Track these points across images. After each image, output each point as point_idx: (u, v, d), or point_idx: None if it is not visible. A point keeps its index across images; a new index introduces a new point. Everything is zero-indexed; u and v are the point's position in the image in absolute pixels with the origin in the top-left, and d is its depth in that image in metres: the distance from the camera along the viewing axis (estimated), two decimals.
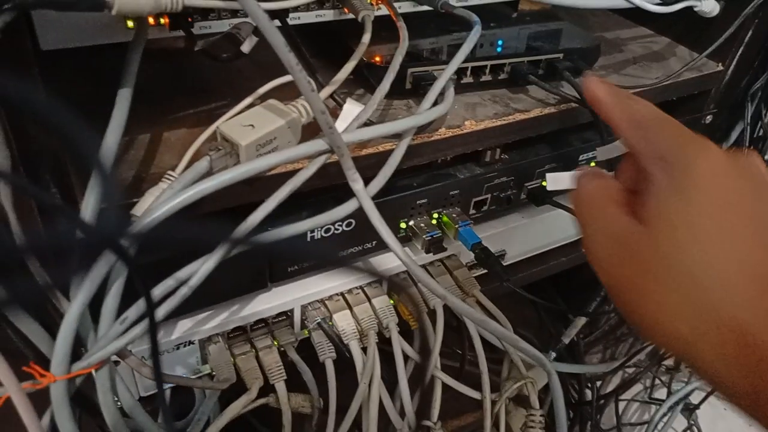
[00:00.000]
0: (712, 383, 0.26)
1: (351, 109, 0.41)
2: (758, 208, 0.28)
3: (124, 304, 0.35)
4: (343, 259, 0.48)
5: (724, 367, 0.25)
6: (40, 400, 0.35)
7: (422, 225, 0.49)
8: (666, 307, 0.27)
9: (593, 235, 0.31)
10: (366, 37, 0.43)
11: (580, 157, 0.56)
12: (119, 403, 0.39)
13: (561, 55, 0.52)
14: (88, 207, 0.32)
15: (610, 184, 0.32)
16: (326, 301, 0.50)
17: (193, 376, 0.47)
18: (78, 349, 0.35)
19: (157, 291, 0.36)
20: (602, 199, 0.31)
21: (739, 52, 0.59)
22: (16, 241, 0.33)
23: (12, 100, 0.25)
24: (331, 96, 0.42)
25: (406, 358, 0.51)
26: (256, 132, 0.37)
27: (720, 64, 0.60)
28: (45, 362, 0.34)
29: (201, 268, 0.36)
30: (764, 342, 0.24)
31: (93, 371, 0.35)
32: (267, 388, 0.46)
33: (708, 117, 0.62)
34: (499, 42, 0.51)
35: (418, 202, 0.49)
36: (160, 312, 0.36)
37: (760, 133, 0.63)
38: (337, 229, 0.46)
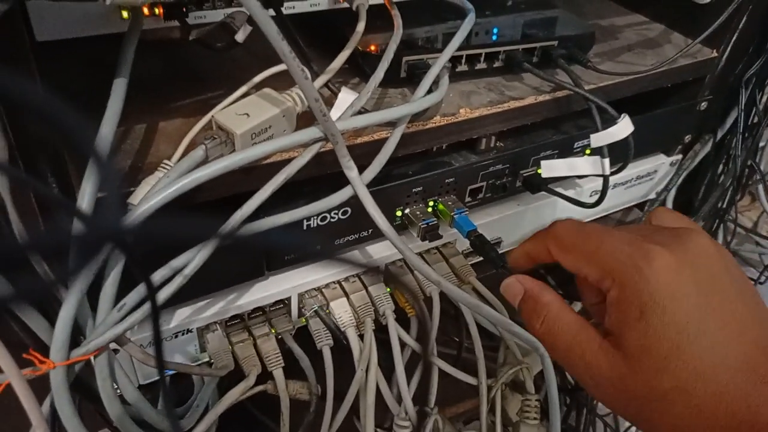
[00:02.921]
0: None
1: (346, 98, 0.41)
2: (721, 292, 0.28)
3: (122, 292, 0.35)
4: (338, 250, 0.49)
5: None
6: (40, 387, 0.35)
7: (418, 213, 0.50)
8: (676, 424, 0.27)
9: (581, 377, 0.30)
10: (360, 26, 0.44)
11: (575, 144, 0.56)
12: (119, 391, 0.39)
13: (556, 43, 0.52)
14: (85, 196, 0.32)
15: (569, 318, 0.31)
16: (323, 289, 0.50)
17: (192, 364, 0.47)
18: (77, 337, 0.36)
19: (153, 280, 0.36)
20: (580, 339, 0.30)
21: (734, 38, 0.59)
22: (17, 237, 0.33)
23: (6, 92, 0.26)
24: (326, 85, 0.43)
25: (403, 345, 0.52)
26: (251, 121, 0.37)
27: (714, 50, 0.60)
28: (44, 349, 0.34)
29: (196, 257, 0.37)
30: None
31: (92, 358, 0.35)
32: (265, 375, 0.47)
33: (703, 104, 0.62)
34: (494, 30, 0.51)
35: (413, 190, 0.49)
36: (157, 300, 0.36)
37: (755, 120, 0.63)
38: (333, 218, 0.46)
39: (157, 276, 0.37)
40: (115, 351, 0.39)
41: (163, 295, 0.37)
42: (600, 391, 0.29)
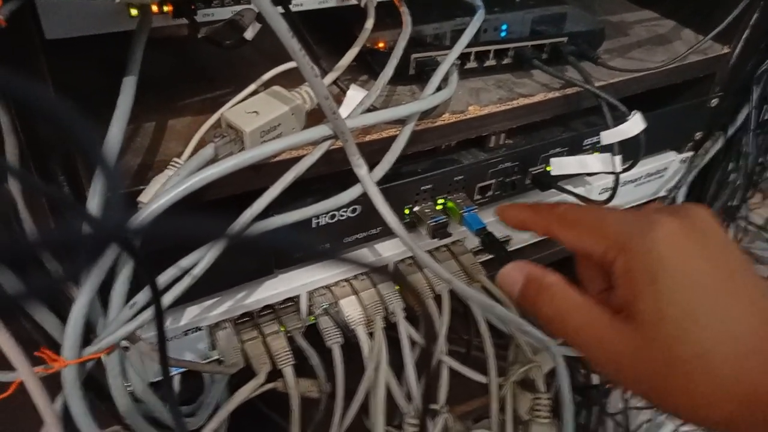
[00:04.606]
0: None
1: (354, 95, 0.41)
2: (727, 260, 0.27)
3: (133, 290, 0.35)
4: (347, 249, 0.49)
5: None
6: (52, 385, 0.36)
7: (427, 211, 0.49)
8: (695, 396, 0.26)
9: (595, 356, 0.29)
10: (369, 23, 0.43)
11: (585, 142, 0.56)
12: (130, 388, 0.39)
13: (565, 39, 0.51)
14: (96, 194, 0.33)
15: (577, 298, 0.30)
16: (332, 287, 0.50)
17: (202, 362, 0.47)
18: (88, 335, 0.36)
19: (161, 280, 0.36)
20: (589, 317, 0.29)
21: (745, 34, 0.58)
22: (28, 237, 0.33)
23: (16, 95, 0.26)
24: (335, 82, 0.43)
25: (412, 343, 0.52)
26: (261, 119, 0.37)
27: (726, 46, 0.59)
28: (56, 347, 0.35)
29: (205, 257, 0.37)
30: None
31: (103, 356, 0.36)
32: (275, 373, 0.47)
33: (713, 100, 0.62)
34: (503, 26, 0.51)
35: (422, 187, 0.49)
36: (165, 300, 0.36)
37: (767, 117, 0.62)
38: (342, 216, 0.46)
39: (166, 276, 0.37)
40: (126, 348, 0.39)
41: (171, 296, 0.37)
42: (615, 368, 0.28)
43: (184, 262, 0.37)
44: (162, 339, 0.33)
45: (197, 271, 0.37)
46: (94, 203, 0.33)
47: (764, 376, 0.25)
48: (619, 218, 0.29)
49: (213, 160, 0.36)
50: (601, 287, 0.32)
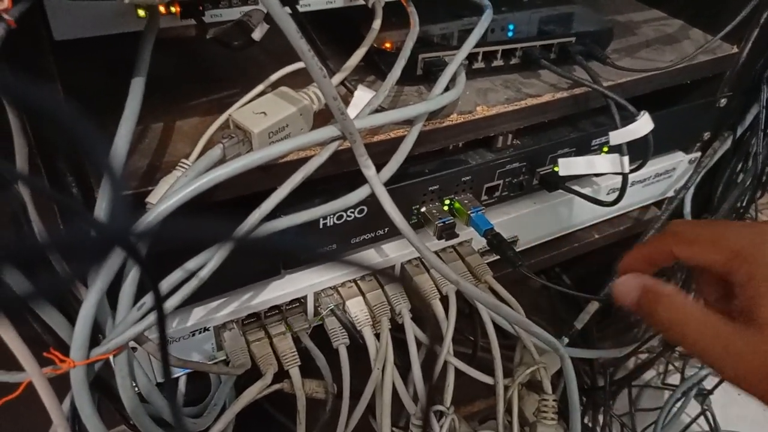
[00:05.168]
0: None
1: (362, 96, 0.41)
2: None
3: (142, 291, 0.35)
4: (354, 249, 0.49)
5: None
6: (60, 385, 0.36)
7: (434, 211, 0.49)
8: None
9: (714, 358, 0.30)
10: (376, 23, 0.43)
11: (593, 142, 0.56)
12: (137, 389, 0.39)
13: (573, 39, 0.51)
14: (104, 198, 0.33)
15: (694, 305, 0.32)
16: (339, 288, 0.50)
17: (209, 362, 0.47)
18: (96, 336, 0.36)
19: (168, 282, 0.36)
20: (709, 322, 0.31)
21: (755, 34, 0.58)
22: (36, 238, 0.33)
23: (16, 96, 0.26)
24: (342, 83, 0.43)
25: (419, 344, 0.52)
26: (269, 119, 0.37)
27: (735, 46, 0.59)
28: (65, 348, 0.35)
29: (213, 259, 0.36)
30: None
31: (111, 357, 0.36)
32: (281, 374, 0.47)
33: (722, 100, 0.61)
34: (510, 26, 0.51)
35: (429, 188, 0.49)
36: (172, 302, 0.36)
37: None
38: (350, 216, 0.46)
39: (173, 278, 0.37)
40: (134, 349, 0.39)
41: (178, 298, 0.37)
42: (734, 368, 0.29)
43: (192, 264, 0.37)
44: (164, 342, 0.33)
45: (204, 273, 0.37)
46: (102, 204, 0.33)
47: None
48: (736, 231, 0.32)
49: (221, 161, 0.35)
50: (717, 296, 0.34)
